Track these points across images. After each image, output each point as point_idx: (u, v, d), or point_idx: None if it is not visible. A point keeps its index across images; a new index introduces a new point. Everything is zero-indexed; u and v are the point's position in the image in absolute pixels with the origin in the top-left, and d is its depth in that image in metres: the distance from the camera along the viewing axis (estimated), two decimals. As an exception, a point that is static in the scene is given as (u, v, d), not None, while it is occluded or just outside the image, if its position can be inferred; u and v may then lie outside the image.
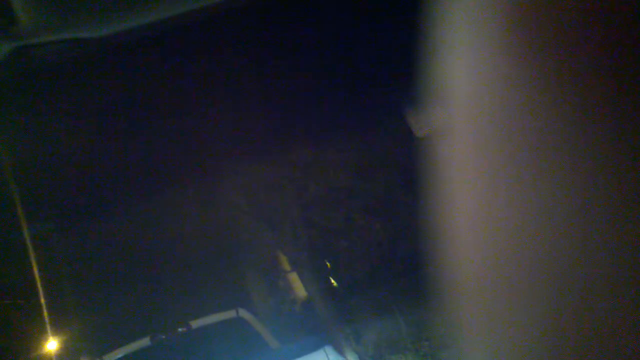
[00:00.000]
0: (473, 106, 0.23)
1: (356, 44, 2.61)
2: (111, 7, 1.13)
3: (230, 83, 2.15)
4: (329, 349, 3.97)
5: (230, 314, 5.07)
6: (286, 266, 6.55)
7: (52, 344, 6.79)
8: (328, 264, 6.76)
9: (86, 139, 2.08)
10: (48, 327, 6.29)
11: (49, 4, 1.11)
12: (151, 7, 1.14)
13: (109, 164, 2.39)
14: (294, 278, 6.51)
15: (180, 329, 4.81)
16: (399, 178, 6.34)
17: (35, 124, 1.83)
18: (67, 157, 2.19)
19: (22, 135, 1.86)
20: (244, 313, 5.11)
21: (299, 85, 2.61)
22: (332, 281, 6.73)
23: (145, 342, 4.55)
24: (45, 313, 6.24)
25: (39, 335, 6.58)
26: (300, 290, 6.53)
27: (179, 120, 2.23)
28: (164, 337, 4.61)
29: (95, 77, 1.70)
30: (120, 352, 4.49)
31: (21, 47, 1.12)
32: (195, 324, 4.91)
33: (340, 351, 5.09)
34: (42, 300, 6.07)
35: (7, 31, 1.10)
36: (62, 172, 2.31)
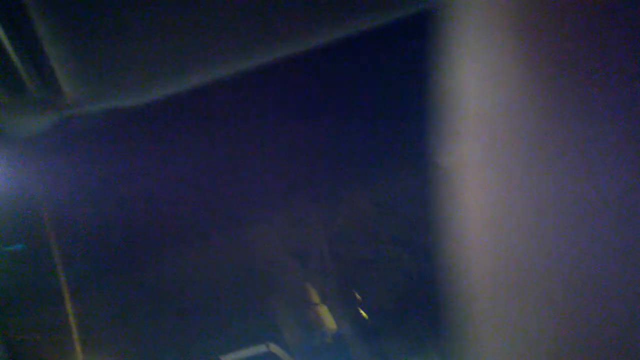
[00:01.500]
0: (486, 122, 0.23)
1: (376, 80, 2.65)
2: (150, 76, 1.18)
3: (260, 132, 2.22)
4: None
5: (260, 349, 5.07)
6: (315, 299, 6.53)
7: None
8: (357, 295, 6.72)
9: (124, 195, 2.16)
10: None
11: (91, 75, 1.16)
12: (188, 76, 1.19)
13: (144, 215, 2.47)
14: (323, 311, 6.48)
15: (211, 365, 4.82)
16: (425, 207, 6.31)
17: (76, 181, 1.92)
18: (105, 211, 2.28)
19: (64, 190, 1.94)
20: (274, 347, 5.10)
21: (322, 122, 2.65)
22: (362, 313, 6.68)
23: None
24: (78, 348, 6.29)
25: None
26: (330, 322, 6.49)
27: (213, 169, 2.31)
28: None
29: (135, 140, 1.77)
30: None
31: (65, 117, 1.17)
32: (226, 359, 4.91)
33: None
34: (75, 337, 6.13)
35: (52, 102, 1.16)
36: (101, 223, 2.42)
